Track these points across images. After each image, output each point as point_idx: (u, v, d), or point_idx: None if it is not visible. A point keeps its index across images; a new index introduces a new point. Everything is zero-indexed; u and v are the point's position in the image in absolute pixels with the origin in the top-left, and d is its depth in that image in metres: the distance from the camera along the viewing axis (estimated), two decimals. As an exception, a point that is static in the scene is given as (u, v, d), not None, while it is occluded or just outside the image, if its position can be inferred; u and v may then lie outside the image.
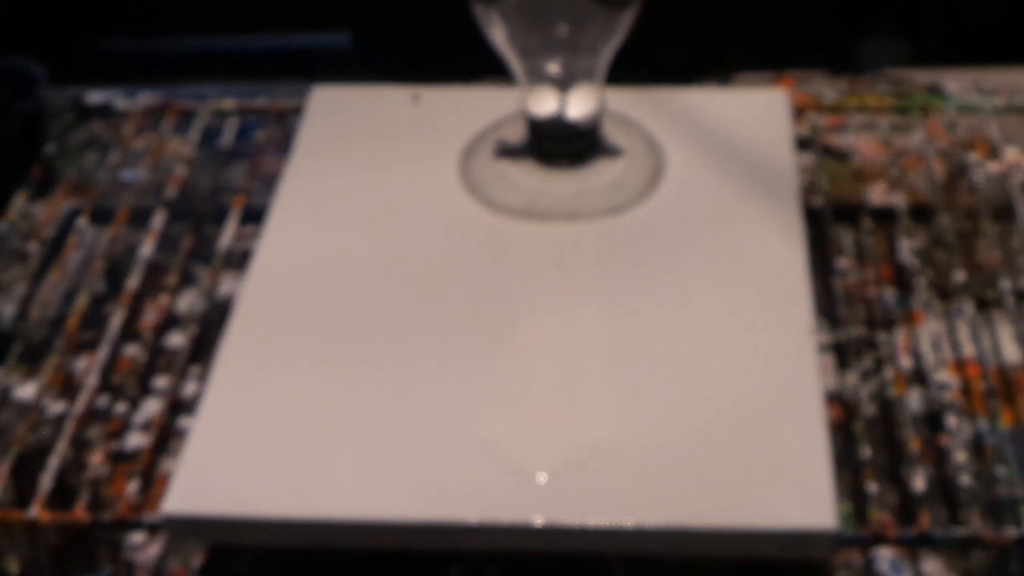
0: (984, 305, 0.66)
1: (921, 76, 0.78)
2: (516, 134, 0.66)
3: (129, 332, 0.66)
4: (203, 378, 0.58)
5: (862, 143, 0.75)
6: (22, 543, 0.60)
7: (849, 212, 0.68)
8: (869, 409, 0.61)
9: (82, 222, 0.71)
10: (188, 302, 0.68)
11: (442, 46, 0.86)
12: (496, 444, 0.54)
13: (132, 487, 0.57)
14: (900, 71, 0.80)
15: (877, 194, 0.71)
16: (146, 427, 0.63)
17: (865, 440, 0.57)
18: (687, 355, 0.57)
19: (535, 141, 0.66)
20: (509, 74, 0.64)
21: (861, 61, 0.82)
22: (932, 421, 0.61)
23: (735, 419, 0.54)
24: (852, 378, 0.62)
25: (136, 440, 0.63)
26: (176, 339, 0.67)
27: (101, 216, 0.71)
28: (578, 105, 0.64)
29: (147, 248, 0.68)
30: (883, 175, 0.72)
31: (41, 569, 0.60)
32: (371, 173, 0.66)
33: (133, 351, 0.66)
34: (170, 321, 0.67)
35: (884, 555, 0.57)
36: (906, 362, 0.64)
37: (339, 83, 0.72)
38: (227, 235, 0.68)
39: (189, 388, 0.64)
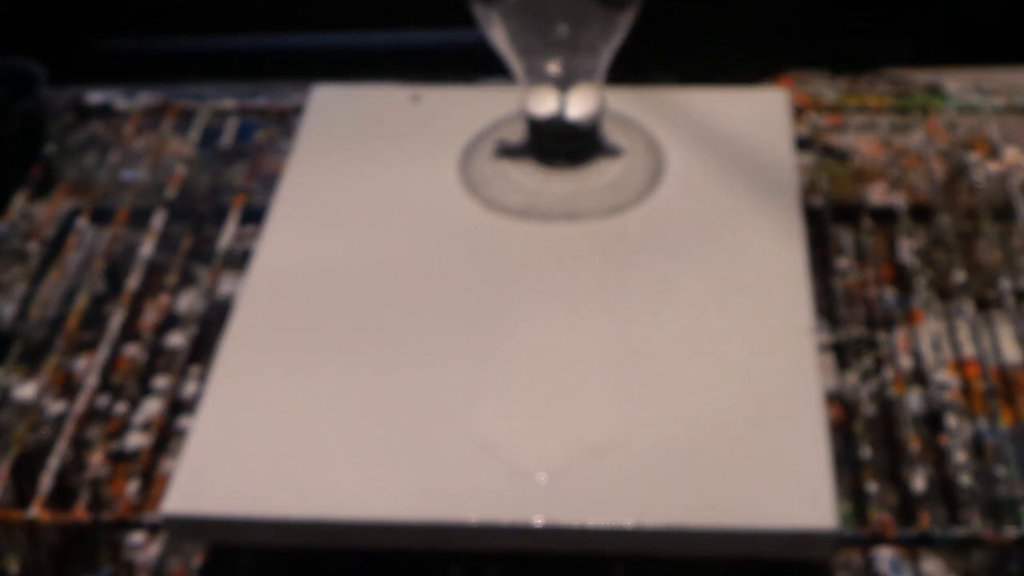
0: (984, 305, 0.66)
1: (921, 76, 0.78)
2: (516, 134, 0.66)
3: (129, 332, 0.66)
4: (203, 378, 0.58)
5: (862, 143, 0.75)
6: (22, 543, 0.60)
7: (849, 212, 0.68)
8: (869, 409, 0.61)
9: (82, 222, 0.71)
10: (188, 302, 0.68)
11: (442, 46, 0.86)
12: (496, 444, 0.54)
13: (132, 487, 0.57)
14: (900, 71, 0.80)
15: (877, 194, 0.71)
16: (146, 427, 0.63)
17: (865, 440, 0.57)
18: (687, 355, 0.57)
19: (535, 141, 0.66)
20: (509, 74, 0.64)
21: (861, 61, 0.82)
22: (932, 421, 0.61)
23: (735, 419, 0.54)
24: (852, 378, 0.62)
25: (136, 440, 0.63)
26: (176, 339, 0.67)
27: (101, 216, 0.71)
28: (578, 105, 0.64)
29: (147, 248, 0.68)
30: (883, 175, 0.72)
31: (41, 569, 0.60)
32: (371, 173, 0.66)
33: (133, 351, 0.66)
34: (170, 321, 0.67)
35: (884, 555, 0.57)
36: (906, 362, 0.64)
37: (339, 83, 0.72)
38: (227, 235, 0.68)
39: (189, 388, 0.64)
